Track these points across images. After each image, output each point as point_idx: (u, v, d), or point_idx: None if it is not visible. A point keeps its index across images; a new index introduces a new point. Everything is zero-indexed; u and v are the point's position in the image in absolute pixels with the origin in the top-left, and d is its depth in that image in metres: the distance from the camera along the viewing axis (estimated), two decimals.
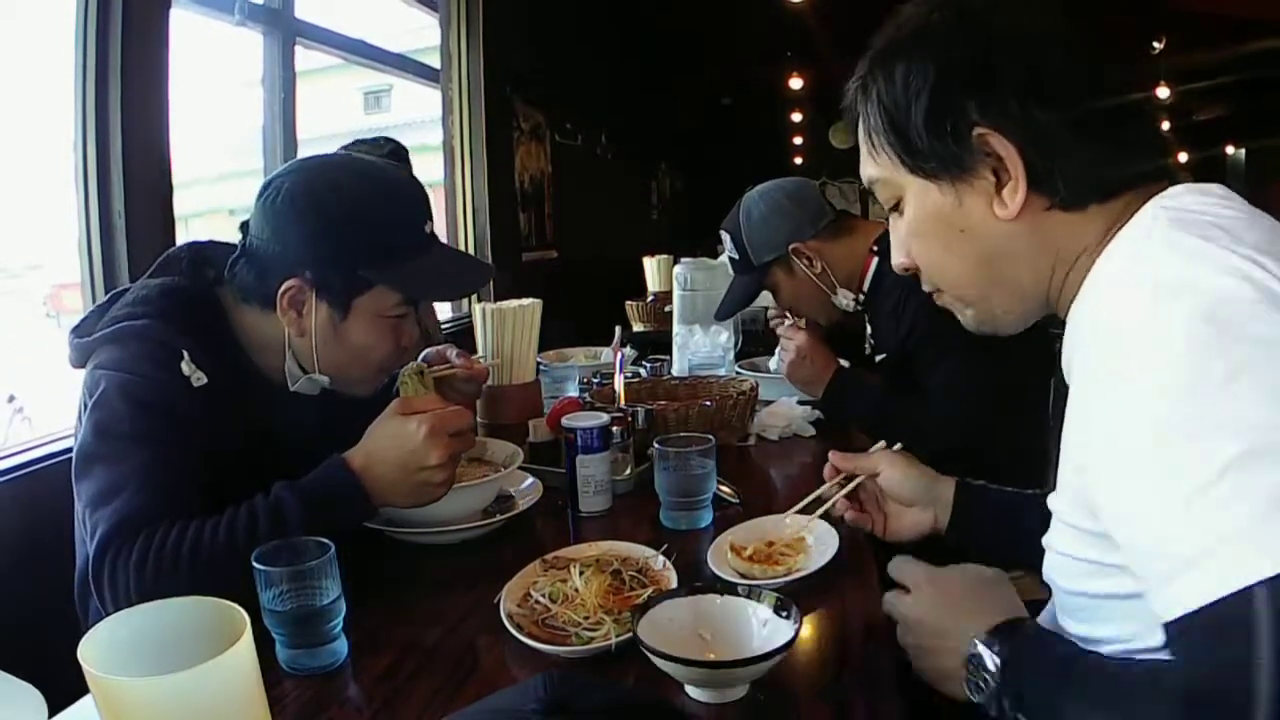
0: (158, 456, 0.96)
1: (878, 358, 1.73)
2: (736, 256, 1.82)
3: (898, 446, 1.12)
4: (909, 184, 0.78)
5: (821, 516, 1.11)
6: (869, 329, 1.77)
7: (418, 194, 1.14)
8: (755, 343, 2.40)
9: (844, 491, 1.10)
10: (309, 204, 1.05)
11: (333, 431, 1.09)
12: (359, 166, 1.12)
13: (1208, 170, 10.69)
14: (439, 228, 2.35)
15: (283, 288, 1.05)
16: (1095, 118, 0.70)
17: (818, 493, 1.13)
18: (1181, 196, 0.68)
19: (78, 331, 1.08)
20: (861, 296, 1.73)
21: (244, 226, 1.10)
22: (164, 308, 1.05)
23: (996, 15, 0.73)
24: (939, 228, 0.78)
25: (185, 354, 1.01)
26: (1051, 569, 0.77)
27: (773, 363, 2.01)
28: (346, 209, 1.05)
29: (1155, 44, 6.13)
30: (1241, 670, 0.49)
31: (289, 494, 0.97)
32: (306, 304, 1.07)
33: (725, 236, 1.84)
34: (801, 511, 1.13)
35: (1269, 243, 0.60)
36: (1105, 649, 0.70)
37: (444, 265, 1.16)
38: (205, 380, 1.02)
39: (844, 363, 1.73)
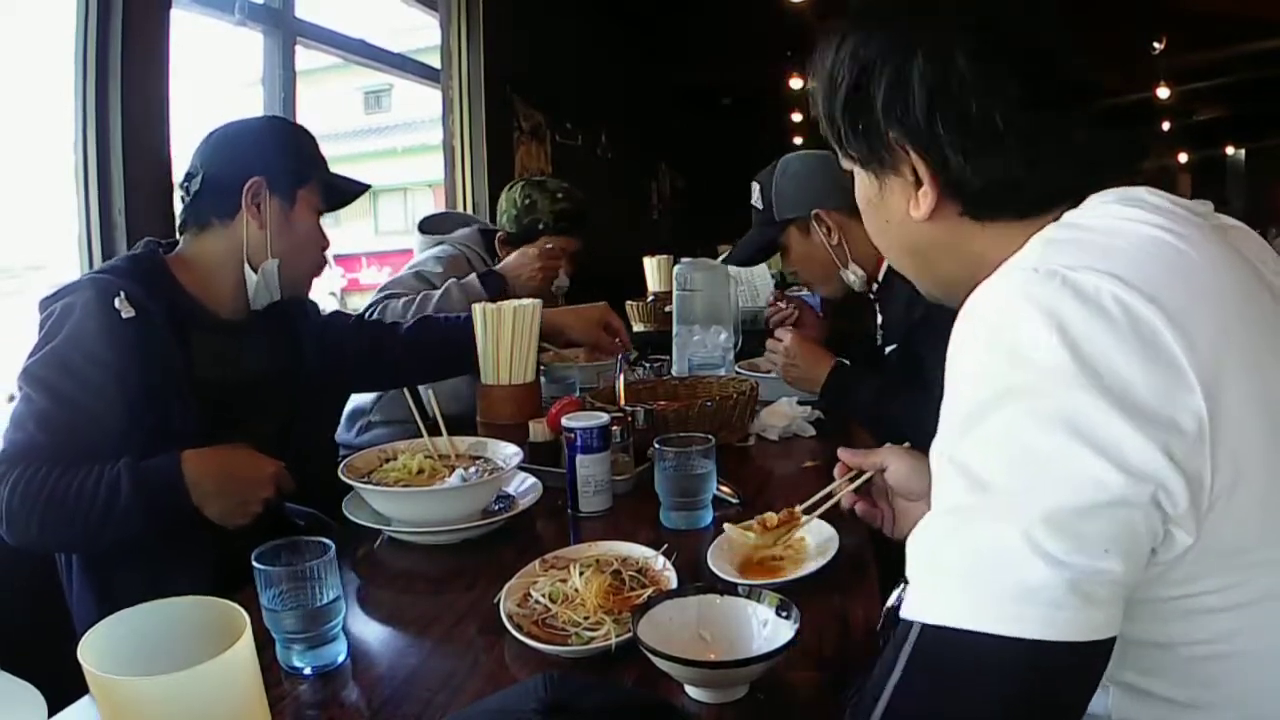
0: (57, 405, 1.13)
1: (887, 349, 1.73)
2: (760, 208, 1.86)
3: (906, 445, 1.11)
4: (848, 164, 0.79)
5: (828, 512, 1.10)
6: (879, 319, 1.78)
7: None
8: (755, 343, 2.40)
9: (852, 487, 1.09)
10: (257, 126, 1.41)
11: (252, 358, 1.38)
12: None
13: (1208, 170, 10.69)
14: None
15: (247, 185, 1.31)
16: (1010, 138, 0.66)
17: (827, 490, 1.12)
18: (1094, 208, 0.64)
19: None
20: (876, 285, 1.73)
21: (188, 174, 1.34)
22: (115, 266, 1.29)
23: (915, 23, 0.69)
24: (869, 212, 0.80)
25: (122, 293, 1.19)
26: None
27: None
28: (284, 128, 1.46)
29: (1155, 44, 6.13)
30: (880, 682, 0.55)
31: (126, 471, 1.11)
32: (263, 199, 1.33)
33: (755, 186, 1.88)
34: (810, 508, 1.12)
35: (1139, 269, 0.55)
36: None
37: (342, 177, 1.50)
38: (134, 313, 1.19)
39: (845, 362, 1.73)
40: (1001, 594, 0.51)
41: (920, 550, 0.56)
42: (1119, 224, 0.60)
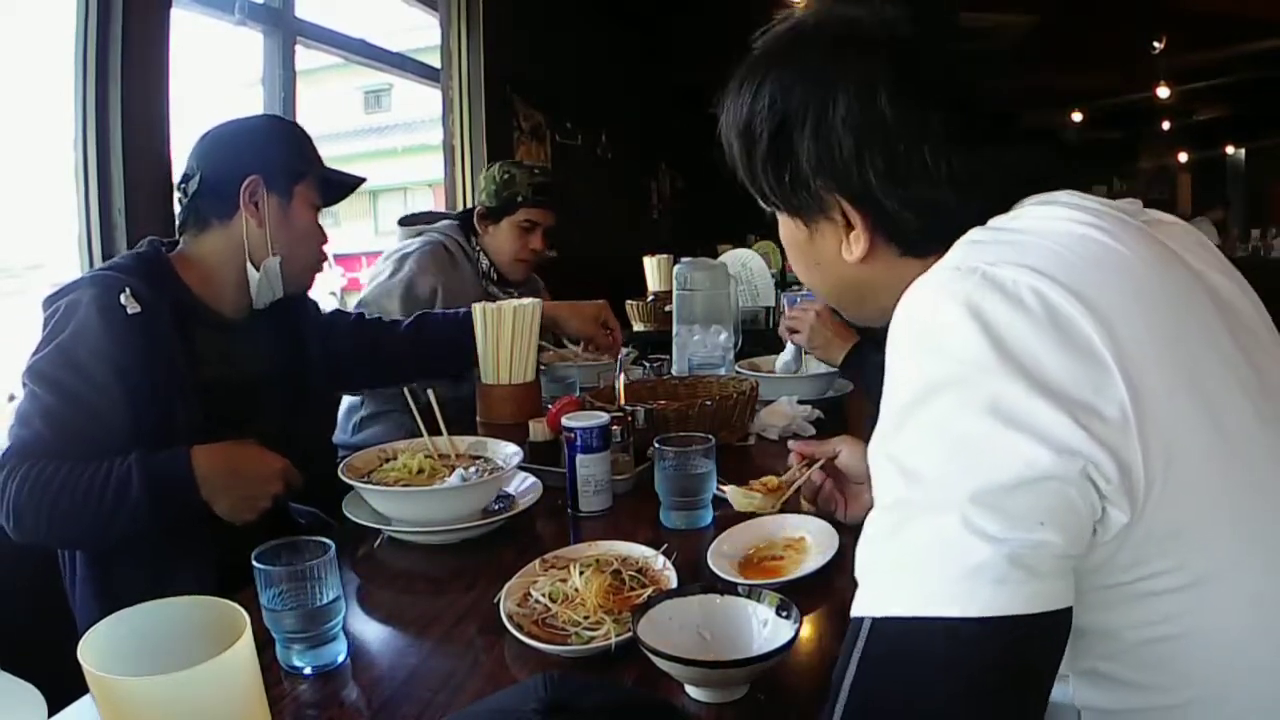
0: (63, 401, 1.14)
1: None
2: None
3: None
4: (770, 209, 0.79)
5: (795, 496, 1.15)
6: None
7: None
8: (755, 343, 2.40)
9: (811, 471, 1.14)
10: (253, 125, 1.41)
11: (255, 357, 1.38)
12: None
13: (1208, 170, 10.68)
14: None
15: (244, 184, 1.32)
16: (940, 173, 0.67)
17: (785, 478, 1.17)
18: (1019, 211, 0.66)
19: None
20: None
21: (185, 176, 1.34)
22: (119, 263, 1.29)
23: (833, 69, 0.69)
24: (798, 255, 0.79)
25: (127, 289, 1.20)
26: None
27: (779, 361, 2.00)
28: (279, 126, 1.46)
29: (1155, 44, 6.13)
30: (837, 684, 0.54)
31: (136, 466, 1.11)
32: (261, 197, 1.34)
33: None
34: (774, 492, 1.16)
35: (1059, 263, 0.57)
36: None
37: (338, 171, 1.50)
38: (139, 309, 1.19)
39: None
40: (945, 578, 0.51)
41: (865, 550, 0.57)
42: (1043, 223, 0.62)
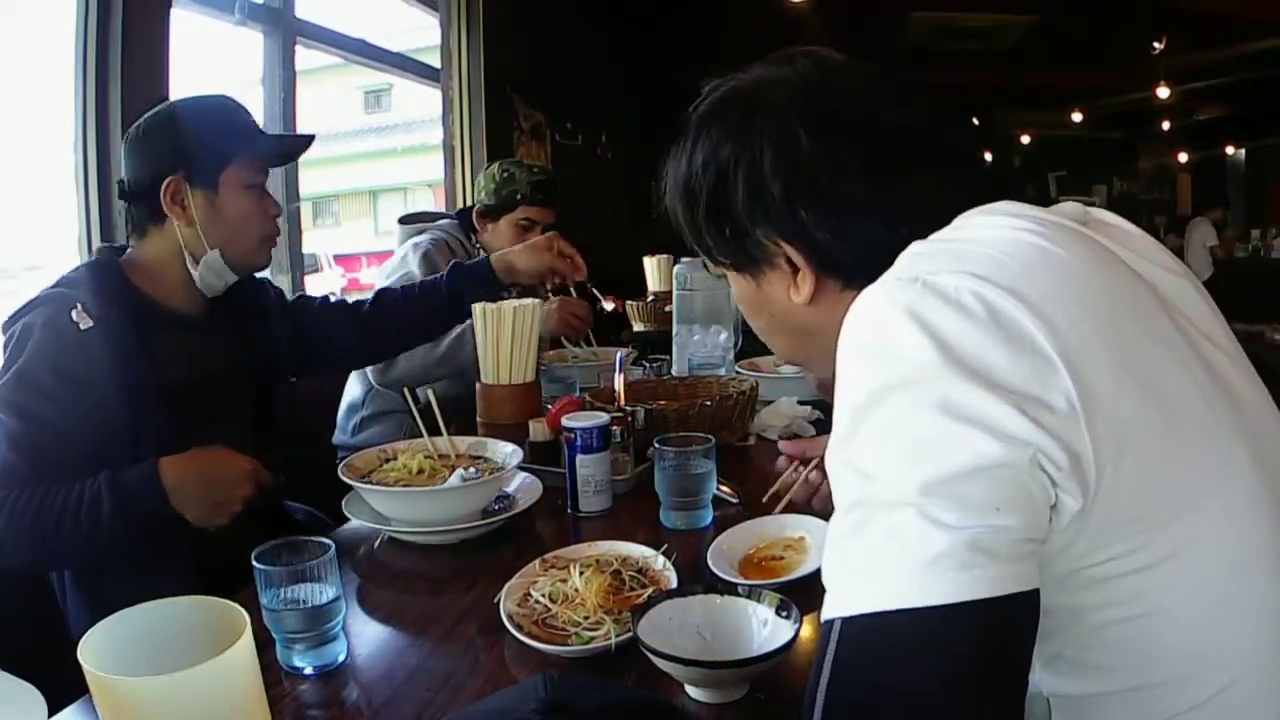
0: (28, 426, 1.13)
1: None
2: None
3: None
4: (721, 270, 0.83)
5: (787, 507, 1.13)
6: None
7: (243, 106, 1.42)
8: (755, 342, 2.40)
9: (807, 471, 1.12)
10: (165, 119, 1.31)
11: (219, 352, 1.37)
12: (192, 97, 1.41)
13: (1208, 170, 10.68)
14: None
15: (164, 188, 1.27)
16: (868, 204, 0.71)
17: (777, 486, 1.15)
18: (958, 223, 0.68)
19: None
20: None
21: (121, 183, 1.32)
22: (70, 278, 1.27)
23: (755, 119, 0.73)
24: (752, 310, 0.83)
25: (78, 305, 1.19)
26: None
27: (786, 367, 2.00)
28: (196, 112, 1.34)
29: (1155, 44, 6.13)
30: (812, 690, 0.55)
31: (105, 486, 1.11)
32: (185, 196, 1.29)
33: None
34: (771, 502, 1.14)
35: (998, 268, 0.58)
36: None
37: (277, 139, 1.44)
38: (91, 324, 1.18)
39: None
40: (908, 570, 0.51)
41: (828, 554, 0.57)
42: (982, 232, 0.64)
